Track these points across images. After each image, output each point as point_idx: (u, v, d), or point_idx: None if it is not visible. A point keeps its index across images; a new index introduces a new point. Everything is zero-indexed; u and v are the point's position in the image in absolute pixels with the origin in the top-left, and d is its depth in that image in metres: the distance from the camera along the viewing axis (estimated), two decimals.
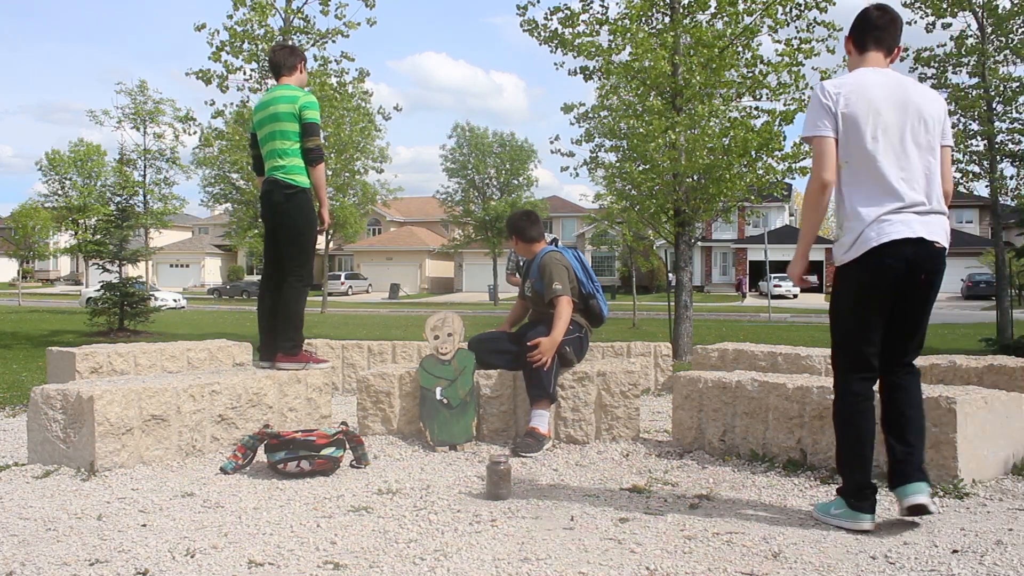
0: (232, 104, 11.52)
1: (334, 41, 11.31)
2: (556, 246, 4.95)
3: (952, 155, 3.31)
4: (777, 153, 10.82)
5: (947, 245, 3.06)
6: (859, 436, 3.03)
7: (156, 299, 22.94)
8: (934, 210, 3.02)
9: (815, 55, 10.79)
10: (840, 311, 3.11)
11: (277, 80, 5.02)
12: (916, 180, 2.99)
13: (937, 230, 3.01)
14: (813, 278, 45.83)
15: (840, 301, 3.10)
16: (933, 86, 12.61)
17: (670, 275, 23.03)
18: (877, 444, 3.13)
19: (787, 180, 13.05)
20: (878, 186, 2.97)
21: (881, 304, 3.02)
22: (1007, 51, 12.22)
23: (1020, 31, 12.16)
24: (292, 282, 4.94)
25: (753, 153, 10.71)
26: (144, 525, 3.10)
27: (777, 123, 10.66)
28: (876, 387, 3.14)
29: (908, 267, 2.97)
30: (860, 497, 2.99)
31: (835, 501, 3.09)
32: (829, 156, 3.00)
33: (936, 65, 12.55)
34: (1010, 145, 12.37)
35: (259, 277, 5.88)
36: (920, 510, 2.92)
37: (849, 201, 3.03)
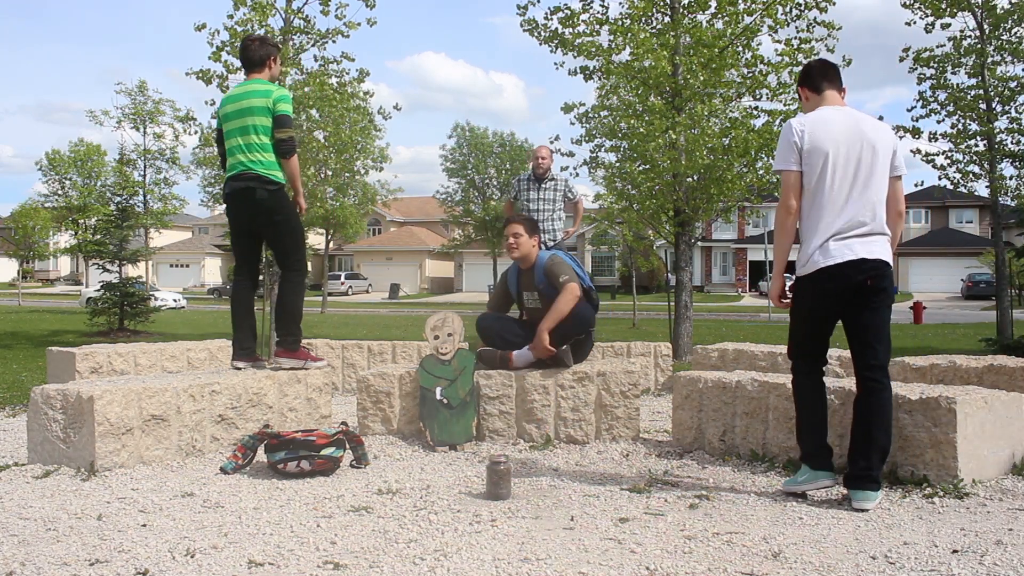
0: None
1: (334, 41, 11.30)
2: (549, 250, 5.03)
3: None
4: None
5: (889, 261, 3.44)
6: (813, 409, 3.56)
7: (156, 299, 22.95)
8: (875, 232, 3.43)
9: (815, 54, 10.79)
10: (796, 315, 3.60)
11: (247, 75, 4.86)
12: (863, 208, 3.41)
13: (877, 249, 3.41)
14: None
15: (796, 307, 3.59)
16: (932, 87, 12.61)
17: (669, 275, 23.03)
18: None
19: None
20: (829, 212, 3.41)
21: (828, 312, 3.51)
22: (1004, 51, 12.21)
23: (1016, 31, 12.15)
24: (291, 276, 4.90)
25: (753, 153, 10.71)
26: (144, 525, 3.10)
27: (777, 123, 10.66)
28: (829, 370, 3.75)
29: (851, 282, 3.39)
30: (818, 456, 3.48)
31: (799, 471, 3.57)
32: (794, 186, 3.48)
33: (935, 65, 12.54)
34: (1009, 145, 12.36)
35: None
36: (863, 510, 3.30)
37: (805, 223, 3.49)
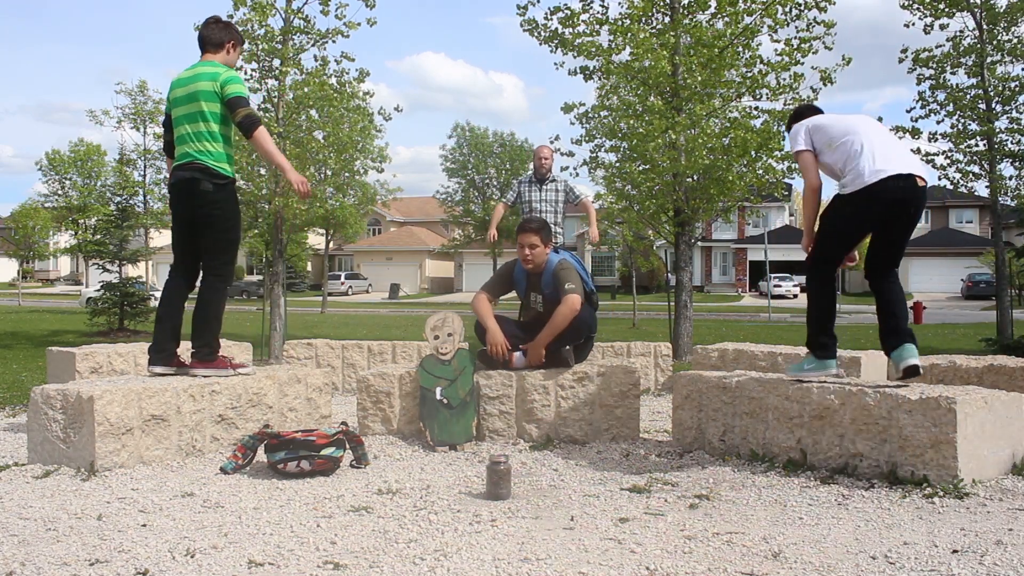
0: None
1: (334, 41, 11.29)
2: (556, 253, 4.91)
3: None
4: (777, 153, 10.82)
5: (927, 181, 3.80)
6: (826, 302, 3.97)
7: (156, 299, 22.94)
8: (913, 160, 3.82)
9: (813, 53, 10.79)
10: (829, 227, 3.91)
11: (201, 55, 4.55)
12: (889, 148, 3.79)
13: (918, 167, 3.77)
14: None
15: (832, 221, 3.89)
16: (932, 87, 12.61)
17: (669, 275, 23.06)
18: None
19: (787, 180, 13.04)
20: (865, 148, 3.77)
21: (865, 231, 3.88)
22: (1003, 51, 12.20)
23: (1015, 30, 12.14)
24: (214, 282, 4.56)
25: (753, 153, 10.70)
26: (144, 525, 3.10)
27: (776, 123, 10.66)
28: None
29: (896, 203, 3.72)
30: (826, 346, 3.94)
31: (806, 359, 4.01)
32: (812, 164, 3.94)
33: (935, 66, 12.53)
34: (1009, 145, 12.35)
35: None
36: (914, 370, 3.76)
37: (845, 162, 3.82)
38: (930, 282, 45.85)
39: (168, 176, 4.62)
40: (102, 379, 4.83)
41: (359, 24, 11.27)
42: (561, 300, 4.57)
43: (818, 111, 4.24)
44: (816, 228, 4.06)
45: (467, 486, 3.74)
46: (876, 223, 3.81)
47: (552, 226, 7.56)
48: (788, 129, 4.31)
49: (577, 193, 7.87)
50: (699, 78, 10.60)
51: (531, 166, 7.86)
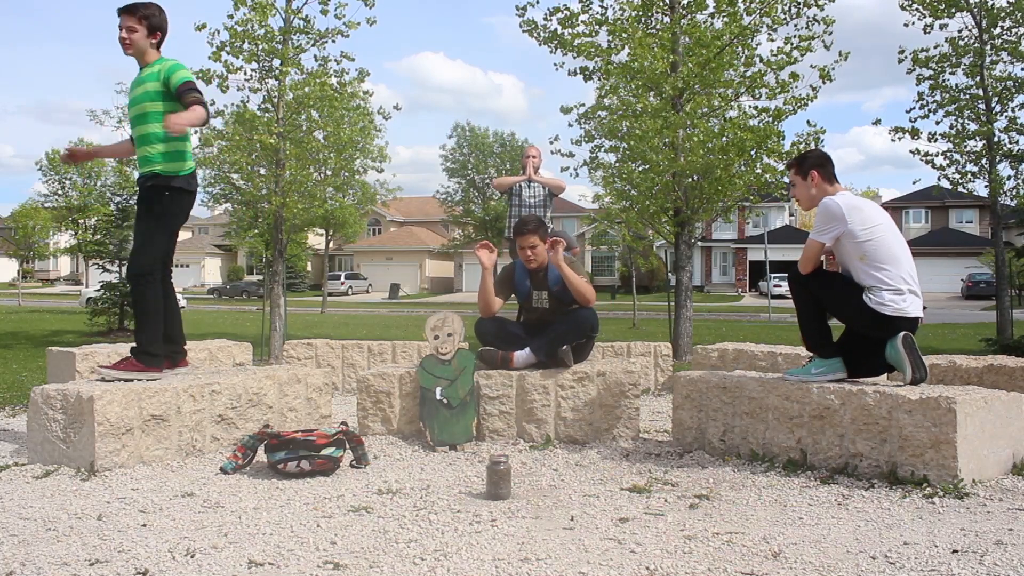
0: (232, 104, 11.47)
1: (334, 41, 11.29)
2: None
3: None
4: (775, 153, 10.82)
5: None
6: (813, 299, 4.10)
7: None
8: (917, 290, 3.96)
9: (811, 51, 10.79)
10: (830, 285, 4.08)
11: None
12: (911, 270, 3.94)
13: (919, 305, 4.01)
14: None
15: (837, 288, 4.02)
16: (931, 87, 12.62)
17: (669, 275, 23.06)
18: None
19: (786, 179, 13.02)
20: (895, 265, 3.89)
21: (856, 327, 4.08)
22: (1003, 50, 12.19)
23: (1014, 30, 12.13)
24: (167, 277, 4.67)
25: (753, 152, 10.70)
26: (144, 525, 3.10)
27: (773, 122, 10.66)
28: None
29: (895, 329, 3.87)
30: (827, 345, 4.05)
31: (812, 363, 4.08)
32: (814, 260, 4.07)
33: (934, 66, 12.52)
34: (1007, 144, 12.33)
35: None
36: (910, 340, 3.84)
37: (871, 281, 3.88)
38: (930, 282, 45.83)
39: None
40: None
41: (359, 24, 11.27)
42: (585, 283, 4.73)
43: (828, 160, 4.13)
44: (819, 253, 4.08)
45: (467, 486, 3.74)
46: (869, 333, 3.96)
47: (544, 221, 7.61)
48: (797, 168, 4.15)
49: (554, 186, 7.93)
50: (696, 80, 10.60)
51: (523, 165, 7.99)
